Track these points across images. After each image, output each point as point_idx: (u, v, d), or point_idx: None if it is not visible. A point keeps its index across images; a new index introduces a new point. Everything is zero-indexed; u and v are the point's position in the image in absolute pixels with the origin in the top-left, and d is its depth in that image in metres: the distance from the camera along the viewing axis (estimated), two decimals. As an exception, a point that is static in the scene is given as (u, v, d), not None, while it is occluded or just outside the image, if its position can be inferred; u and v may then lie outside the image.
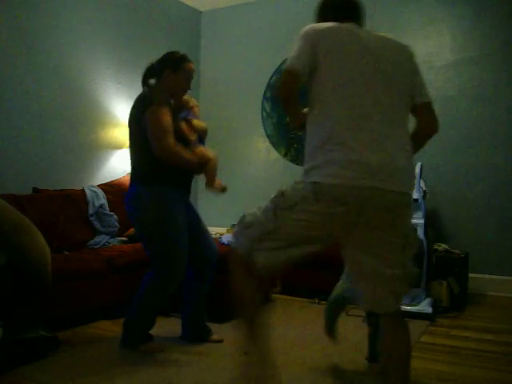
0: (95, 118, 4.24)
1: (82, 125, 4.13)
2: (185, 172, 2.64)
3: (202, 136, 2.80)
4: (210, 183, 2.72)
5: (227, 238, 3.66)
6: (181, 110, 2.73)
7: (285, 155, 5.07)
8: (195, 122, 2.74)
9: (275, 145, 5.13)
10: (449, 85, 4.27)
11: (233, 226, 4.98)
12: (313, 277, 3.85)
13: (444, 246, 3.76)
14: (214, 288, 3.20)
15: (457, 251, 3.70)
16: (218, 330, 2.96)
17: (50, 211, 3.44)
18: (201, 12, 5.58)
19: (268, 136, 5.16)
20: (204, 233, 2.80)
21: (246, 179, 5.30)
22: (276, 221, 1.65)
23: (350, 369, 2.39)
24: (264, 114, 5.18)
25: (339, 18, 1.74)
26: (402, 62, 1.71)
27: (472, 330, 3.04)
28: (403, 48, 1.75)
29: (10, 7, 3.58)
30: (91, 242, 3.63)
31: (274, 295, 3.91)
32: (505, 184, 4.05)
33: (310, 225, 1.59)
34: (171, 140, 2.46)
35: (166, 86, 2.63)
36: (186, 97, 2.78)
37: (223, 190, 2.81)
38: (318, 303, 3.70)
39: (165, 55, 2.68)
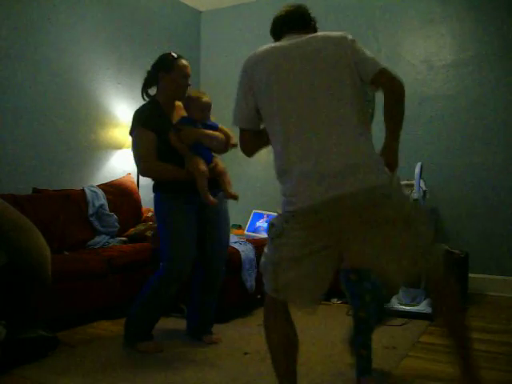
0: (95, 117, 4.24)
1: (82, 125, 4.13)
2: (187, 182, 2.58)
3: (205, 144, 2.63)
4: (203, 198, 2.56)
5: (227, 238, 3.65)
6: (188, 111, 2.68)
7: (285, 155, 5.06)
8: (184, 132, 2.58)
9: (275, 145, 5.12)
10: (448, 85, 4.27)
11: (233, 226, 4.98)
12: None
13: (444, 246, 3.76)
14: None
15: (457, 251, 3.70)
16: (218, 330, 2.96)
17: (50, 211, 3.44)
18: (201, 12, 5.58)
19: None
20: (217, 239, 2.79)
21: (246, 179, 5.30)
22: (276, 251, 1.67)
23: (350, 369, 2.39)
24: (264, 114, 5.17)
25: (284, 33, 1.86)
26: (334, 55, 1.67)
27: (472, 330, 3.03)
28: (333, 40, 1.71)
29: (10, 7, 3.58)
30: (91, 242, 3.62)
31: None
32: (505, 184, 4.04)
33: (301, 242, 1.61)
34: (149, 163, 2.57)
35: (164, 88, 2.65)
36: (194, 93, 2.70)
37: (235, 197, 2.71)
38: (318, 303, 3.70)
39: (157, 59, 2.69)
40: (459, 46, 4.25)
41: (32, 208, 3.29)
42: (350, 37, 1.71)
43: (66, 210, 3.55)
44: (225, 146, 2.75)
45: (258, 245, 3.58)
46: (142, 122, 2.57)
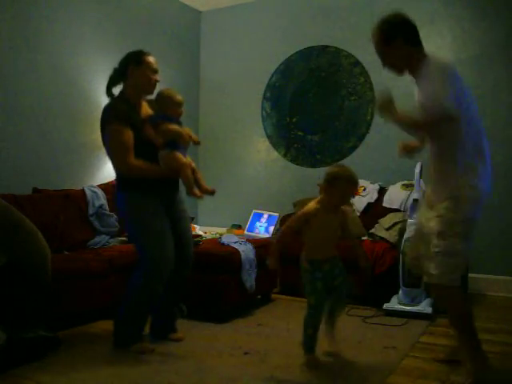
0: (95, 117, 4.18)
1: (82, 125, 4.13)
2: (159, 180, 2.62)
3: (180, 142, 2.63)
4: (188, 191, 2.60)
5: (227, 238, 3.65)
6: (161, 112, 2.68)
7: (285, 155, 5.07)
8: (165, 126, 2.59)
9: (275, 145, 5.13)
10: (449, 85, 4.26)
11: (233, 226, 4.99)
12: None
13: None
14: (213, 288, 3.21)
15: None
16: (218, 330, 2.97)
17: (50, 211, 3.44)
18: (201, 12, 5.58)
19: (268, 136, 5.17)
20: (184, 229, 2.81)
21: (246, 179, 5.30)
22: (467, 241, 2.16)
23: (349, 368, 2.40)
24: (264, 113, 5.18)
25: (418, 42, 2.25)
26: None
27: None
28: None
29: (11, 8, 3.58)
30: (91, 242, 3.63)
31: (274, 295, 3.91)
32: (505, 184, 4.05)
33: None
34: (129, 159, 2.52)
35: (133, 83, 2.67)
36: (167, 91, 2.70)
37: (212, 192, 2.73)
38: (318, 303, 3.70)
39: (125, 55, 2.73)
40: (459, 46, 4.25)
41: (32, 208, 3.29)
42: None
43: (66, 210, 3.55)
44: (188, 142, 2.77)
45: (257, 245, 3.58)
46: (119, 118, 2.55)
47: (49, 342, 2.53)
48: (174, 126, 2.63)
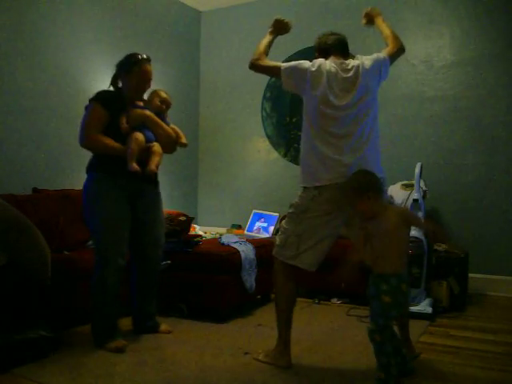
0: (95, 118, 4.23)
1: (82, 125, 4.13)
2: (124, 161, 2.63)
3: (149, 127, 2.75)
4: (127, 159, 2.64)
5: (227, 238, 3.65)
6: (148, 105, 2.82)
7: (285, 155, 5.07)
8: (133, 110, 2.71)
9: (275, 145, 5.13)
10: (449, 85, 4.27)
11: (233, 226, 4.99)
12: (313, 277, 3.84)
13: (444, 246, 3.76)
14: (213, 288, 3.21)
15: (457, 251, 3.70)
16: (218, 330, 2.97)
17: (50, 211, 3.43)
18: (201, 12, 5.58)
19: (268, 136, 5.17)
20: (151, 228, 2.81)
21: (246, 179, 5.30)
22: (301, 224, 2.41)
23: (350, 369, 2.39)
24: (264, 113, 5.18)
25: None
26: None
27: (472, 330, 3.04)
28: None
29: (11, 8, 3.58)
30: (91, 242, 3.62)
31: (274, 295, 3.91)
32: (505, 184, 4.05)
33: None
34: (90, 132, 2.64)
35: (124, 85, 2.77)
36: (159, 92, 2.86)
37: (149, 172, 2.74)
38: (318, 303, 3.70)
39: (123, 58, 2.78)
40: (459, 46, 4.25)
41: (32, 208, 3.29)
42: None
43: (65, 210, 3.55)
44: (174, 142, 2.87)
45: (257, 245, 3.58)
46: (100, 100, 2.67)
47: (49, 341, 2.53)
48: (143, 111, 2.74)
